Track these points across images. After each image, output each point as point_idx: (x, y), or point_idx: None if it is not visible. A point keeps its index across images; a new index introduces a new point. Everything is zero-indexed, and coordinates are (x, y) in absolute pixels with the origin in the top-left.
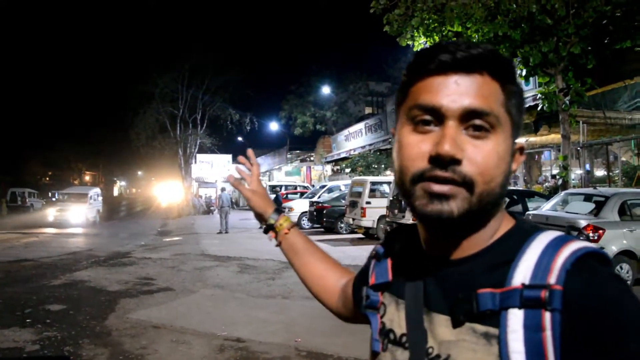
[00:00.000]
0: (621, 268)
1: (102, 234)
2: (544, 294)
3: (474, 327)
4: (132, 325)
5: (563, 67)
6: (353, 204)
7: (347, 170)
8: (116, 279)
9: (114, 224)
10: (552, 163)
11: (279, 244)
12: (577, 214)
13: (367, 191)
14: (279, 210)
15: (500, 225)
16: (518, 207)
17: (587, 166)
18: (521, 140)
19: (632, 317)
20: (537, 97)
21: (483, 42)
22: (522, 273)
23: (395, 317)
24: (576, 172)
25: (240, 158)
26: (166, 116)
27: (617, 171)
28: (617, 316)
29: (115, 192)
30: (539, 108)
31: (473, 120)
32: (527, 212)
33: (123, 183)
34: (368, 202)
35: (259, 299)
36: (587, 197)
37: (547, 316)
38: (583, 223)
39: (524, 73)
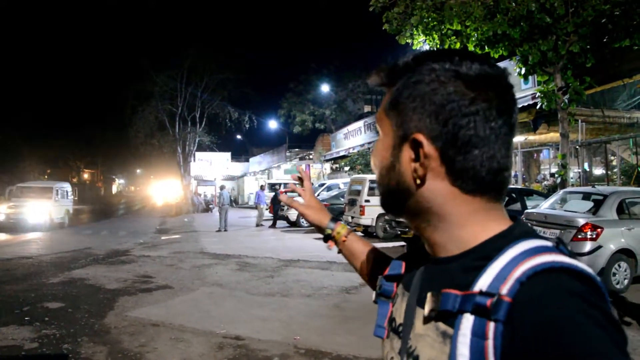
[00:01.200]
0: (619, 266)
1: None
2: (490, 302)
3: (438, 325)
4: (131, 323)
5: (562, 65)
6: (352, 202)
7: (346, 168)
8: (115, 277)
9: (112, 222)
10: (551, 161)
11: (339, 251)
12: (575, 212)
13: (366, 189)
14: (335, 218)
15: (490, 226)
16: (517, 206)
17: (586, 165)
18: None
19: (575, 343)
20: (536, 96)
21: (482, 40)
22: (485, 279)
23: (399, 307)
24: (575, 171)
25: (293, 176)
26: (165, 114)
27: (615, 170)
28: (558, 339)
29: (114, 190)
30: (537, 107)
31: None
32: (526, 211)
33: (122, 181)
34: (367, 200)
35: (258, 296)
36: (586, 196)
37: (491, 325)
38: (581, 221)
39: (523, 71)
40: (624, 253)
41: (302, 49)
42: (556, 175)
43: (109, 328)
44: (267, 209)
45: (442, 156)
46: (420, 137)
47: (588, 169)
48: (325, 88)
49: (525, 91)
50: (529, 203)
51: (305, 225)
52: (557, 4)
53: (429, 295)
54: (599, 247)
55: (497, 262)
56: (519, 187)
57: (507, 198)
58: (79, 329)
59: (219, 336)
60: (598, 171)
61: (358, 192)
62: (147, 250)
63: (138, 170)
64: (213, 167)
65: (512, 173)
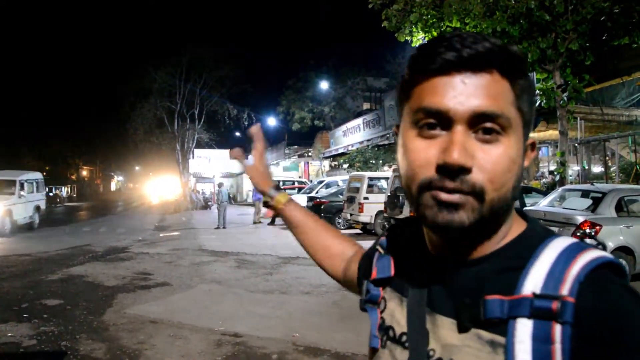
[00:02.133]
0: None
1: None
2: (556, 305)
3: (480, 334)
4: (130, 320)
5: (561, 63)
6: (351, 200)
7: (345, 165)
8: (113, 274)
9: (110, 219)
10: (550, 159)
11: (273, 219)
12: (574, 210)
13: (364, 187)
14: (278, 187)
15: (512, 227)
16: (515, 203)
17: (585, 162)
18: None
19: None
20: (535, 93)
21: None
22: (534, 281)
23: (396, 313)
24: (573, 169)
25: (250, 132)
26: (164, 111)
27: (614, 167)
28: (629, 332)
29: (113, 187)
30: (536, 104)
31: (483, 124)
32: (525, 208)
33: (121, 178)
34: (366, 198)
35: (257, 294)
36: (585, 194)
37: (557, 328)
38: (580, 219)
39: None
40: (623, 251)
41: (301, 46)
42: (555, 173)
43: (108, 325)
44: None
45: None
46: (534, 138)
47: (587, 167)
48: (324, 85)
49: None
50: (527, 201)
51: None
52: (557, 1)
53: (464, 303)
54: (598, 244)
55: (540, 263)
56: None
57: None
58: (77, 326)
59: (217, 333)
60: (597, 169)
61: (357, 190)
62: (146, 247)
63: (137, 168)
64: (212, 164)
65: None
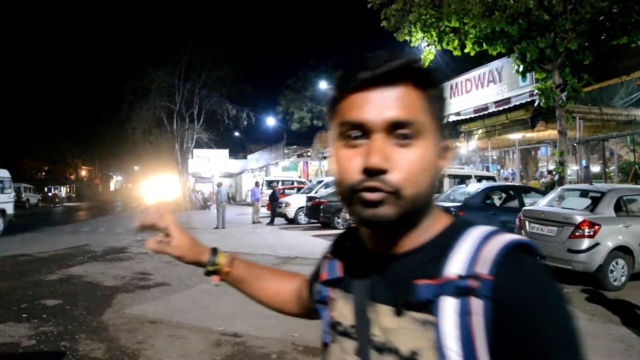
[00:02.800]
0: (617, 263)
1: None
2: (475, 283)
3: (413, 315)
4: (129, 320)
5: (560, 63)
6: None
7: None
8: (112, 274)
9: (109, 219)
10: (549, 159)
11: (226, 281)
12: (573, 209)
13: None
14: (215, 249)
15: (436, 222)
16: (514, 203)
17: (584, 162)
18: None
19: (553, 304)
20: (534, 93)
21: (481, 37)
22: (456, 264)
23: (343, 310)
24: (572, 168)
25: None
26: (163, 111)
27: (613, 167)
28: (539, 304)
29: (112, 187)
30: (535, 104)
31: (398, 131)
32: (524, 208)
33: (120, 178)
34: None
35: None
36: (584, 193)
37: (477, 303)
38: (579, 219)
39: (521, 69)
40: (622, 250)
41: (301, 46)
42: (554, 173)
43: (107, 325)
44: (263, 206)
45: None
46: (450, 141)
47: (586, 166)
48: (323, 85)
49: (523, 88)
50: (526, 200)
51: (304, 222)
52: (555, 1)
53: (398, 290)
54: (597, 244)
55: (460, 249)
56: (517, 184)
57: (505, 195)
58: (76, 326)
59: (216, 333)
60: (595, 169)
61: None
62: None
63: (136, 167)
64: (211, 164)
65: (510, 170)
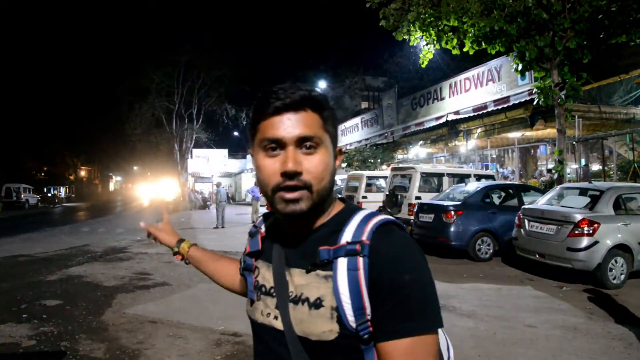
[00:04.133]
0: (616, 262)
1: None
2: (358, 246)
3: (318, 273)
4: (129, 320)
5: (559, 61)
6: (349, 199)
7: (344, 164)
8: (112, 274)
9: (109, 219)
10: (548, 157)
11: (187, 262)
12: (572, 208)
13: (363, 185)
14: (182, 239)
15: (334, 207)
16: (514, 201)
17: (583, 160)
18: (340, 144)
19: (407, 259)
20: (533, 92)
21: (479, 36)
22: (347, 235)
23: (266, 275)
24: (572, 167)
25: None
26: (162, 111)
27: (612, 165)
28: (398, 257)
29: (112, 187)
30: (534, 103)
31: (304, 143)
32: (523, 206)
33: (119, 178)
34: (364, 197)
35: None
36: (583, 192)
37: (360, 260)
38: (578, 217)
39: (520, 68)
40: (621, 248)
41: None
42: (553, 171)
43: (107, 325)
44: (262, 205)
45: None
46: (340, 146)
47: (585, 164)
48: (322, 84)
49: (522, 87)
50: (526, 199)
51: None
52: (554, 0)
53: (306, 254)
54: (596, 242)
55: (350, 225)
56: (516, 183)
57: (504, 194)
58: (76, 326)
59: (217, 333)
60: (595, 167)
61: (355, 189)
62: (145, 247)
63: (135, 168)
64: (210, 164)
65: (509, 169)
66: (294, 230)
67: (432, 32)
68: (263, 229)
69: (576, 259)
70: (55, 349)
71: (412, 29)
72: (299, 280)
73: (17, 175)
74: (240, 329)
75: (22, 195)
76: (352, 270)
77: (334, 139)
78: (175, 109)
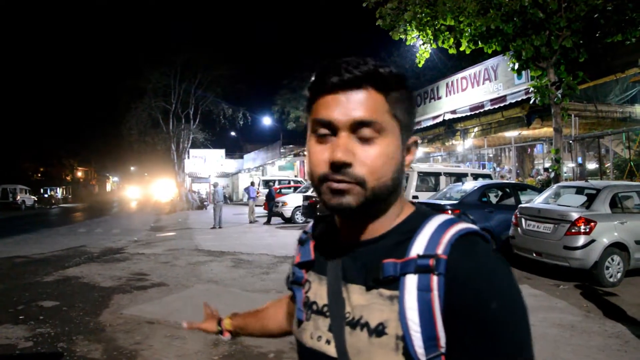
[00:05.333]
0: (612, 260)
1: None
2: (432, 261)
3: (381, 292)
4: (126, 320)
5: (555, 60)
6: None
7: None
8: (109, 275)
9: (106, 220)
10: (545, 156)
11: (236, 336)
12: (569, 206)
13: None
14: (220, 319)
15: (402, 210)
16: (511, 200)
17: (580, 159)
18: (414, 137)
19: (496, 281)
20: (530, 91)
21: (476, 35)
22: (418, 246)
23: (318, 291)
24: (568, 166)
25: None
26: (159, 111)
27: (608, 164)
28: (484, 280)
29: (109, 188)
30: (531, 102)
31: (361, 129)
32: (520, 205)
33: (116, 179)
34: None
35: (253, 293)
36: (579, 190)
37: (434, 279)
38: (575, 215)
39: (516, 67)
40: (617, 247)
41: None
42: (550, 170)
43: (104, 326)
44: (257, 205)
45: None
46: (415, 137)
47: (581, 163)
48: None
49: (518, 86)
50: (522, 198)
51: (300, 221)
52: None
53: (368, 269)
54: (593, 241)
55: (423, 234)
56: (513, 182)
57: (501, 193)
58: (73, 327)
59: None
60: (591, 166)
61: None
62: (142, 247)
63: (132, 168)
64: (207, 164)
65: (506, 168)
66: (352, 237)
67: (429, 32)
68: (316, 235)
69: (573, 257)
70: (52, 350)
71: (408, 28)
72: (358, 299)
73: (14, 176)
74: None
75: (19, 196)
76: (423, 290)
77: (406, 128)
78: (172, 109)
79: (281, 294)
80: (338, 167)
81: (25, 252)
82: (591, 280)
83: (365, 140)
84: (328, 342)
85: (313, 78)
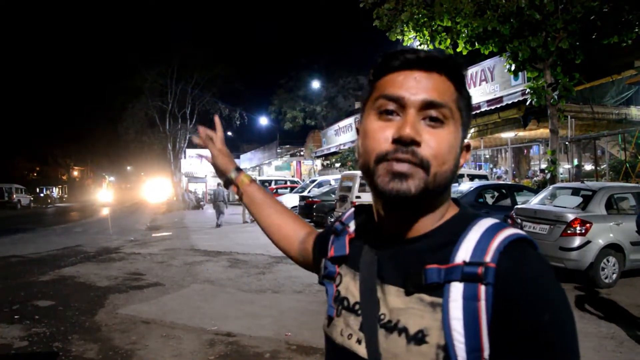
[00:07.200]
0: (608, 261)
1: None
2: (481, 270)
3: (422, 297)
4: (122, 320)
5: (552, 62)
6: (343, 199)
7: (337, 164)
8: (105, 275)
9: (102, 220)
10: (541, 157)
11: (240, 197)
12: (565, 207)
13: (357, 185)
14: (240, 169)
15: (447, 210)
16: (507, 201)
17: (575, 160)
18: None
19: (548, 293)
20: (526, 92)
21: (472, 36)
22: (464, 252)
23: (350, 286)
24: (564, 167)
25: (201, 128)
26: (155, 111)
27: (604, 165)
28: (536, 291)
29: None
30: (527, 103)
31: (429, 110)
32: (516, 206)
33: (112, 178)
34: (358, 197)
35: (249, 293)
36: (575, 191)
37: (482, 289)
38: (571, 217)
39: (512, 68)
40: (613, 248)
41: (293, 45)
42: (546, 171)
43: (100, 326)
44: None
45: None
46: (470, 141)
47: (577, 164)
48: (315, 84)
49: (515, 87)
50: (518, 199)
51: None
52: (547, 0)
53: (409, 272)
54: (588, 242)
55: (469, 238)
56: (509, 183)
57: (497, 194)
58: (69, 327)
59: (210, 333)
60: (587, 167)
61: (349, 189)
62: (138, 247)
63: (128, 168)
64: (203, 163)
65: (503, 169)
66: (393, 232)
67: (426, 32)
68: (352, 227)
69: (569, 258)
70: (48, 350)
71: (405, 29)
72: (395, 302)
73: (9, 176)
74: (234, 329)
75: (14, 196)
76: (470, 300)
77: (465, 126)
78: (169, 108)
79: (277, 294)
80: (406, 143)
81: (20, 251)
82: (587, 282)
83: (432, 124)
84: (359, 341)
85: (386, 54)
